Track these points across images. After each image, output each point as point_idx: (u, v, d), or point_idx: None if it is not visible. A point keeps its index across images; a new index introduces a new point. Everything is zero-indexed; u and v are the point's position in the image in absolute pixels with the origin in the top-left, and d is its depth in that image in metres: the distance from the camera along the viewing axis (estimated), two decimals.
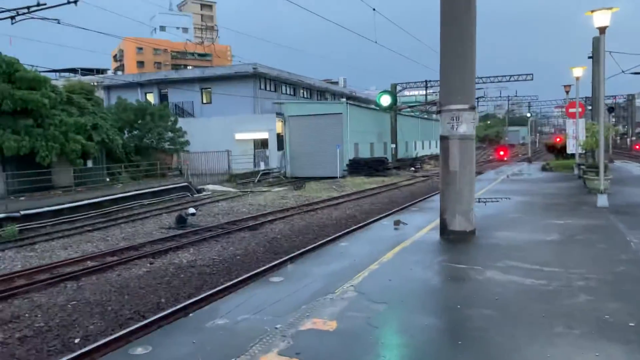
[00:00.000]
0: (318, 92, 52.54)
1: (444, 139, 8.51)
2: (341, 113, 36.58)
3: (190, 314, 5.31)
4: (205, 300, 7.94)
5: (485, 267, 6.44)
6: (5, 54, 22.15)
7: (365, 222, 14.66)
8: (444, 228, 8.55)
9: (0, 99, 20.51)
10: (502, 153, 46.75)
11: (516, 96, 75.52)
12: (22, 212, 15.92)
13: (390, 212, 16.98)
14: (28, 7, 10.62)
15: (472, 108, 8.39)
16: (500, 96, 75.25)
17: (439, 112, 8.60)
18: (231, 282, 8.92)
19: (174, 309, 7.44)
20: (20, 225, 15.42)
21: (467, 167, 8.41)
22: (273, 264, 10.23)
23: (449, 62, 8.35)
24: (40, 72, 23.87)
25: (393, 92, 11.79)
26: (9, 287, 9.25)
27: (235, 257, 11.67)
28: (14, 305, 8.25)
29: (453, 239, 8.29)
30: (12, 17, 10.89)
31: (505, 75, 46.13)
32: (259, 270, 9.75)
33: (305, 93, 49.72)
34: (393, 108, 13.10)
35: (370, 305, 5.05)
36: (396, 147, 44.65)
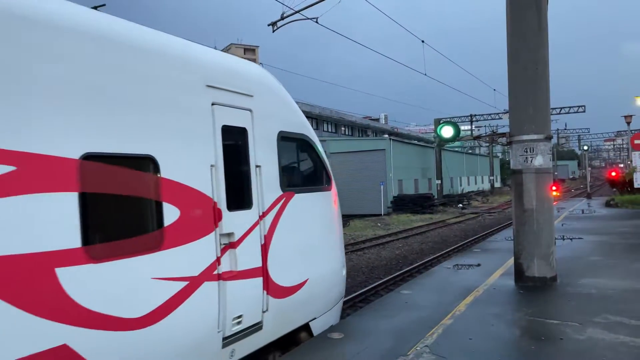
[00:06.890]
0: (360, 129, 52.21)
1: (516, 173, 7.58)
2: (384, 149, 35.77)
3: None
4: None
5: (584, 324, 5.40)
6: None
7: (420, 263, 13.62)
8: (519, 273, 7.52)
9: None
10: (553, 188, 44.39)
11: (565, 129, 72.86)
12: None
13: (446, 251, 15.89)
14: None
15: (548, 138, 7.47)
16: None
17: (508, 143, 7.72)
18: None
19: None
20: None
21: (545, 204, 7.42)
22: None
23: (520, 87, 7.51)
24: None
25: (455, 124, 10.98)
26: None
27: None
28: None
29: (532, 287, 7.23)
30: None
31: (555, 108, 44.19)
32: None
33: (347, 130, 49.48)
34: (455, 140, 12.26)
35: None
36: (441, 183, 43.12)
